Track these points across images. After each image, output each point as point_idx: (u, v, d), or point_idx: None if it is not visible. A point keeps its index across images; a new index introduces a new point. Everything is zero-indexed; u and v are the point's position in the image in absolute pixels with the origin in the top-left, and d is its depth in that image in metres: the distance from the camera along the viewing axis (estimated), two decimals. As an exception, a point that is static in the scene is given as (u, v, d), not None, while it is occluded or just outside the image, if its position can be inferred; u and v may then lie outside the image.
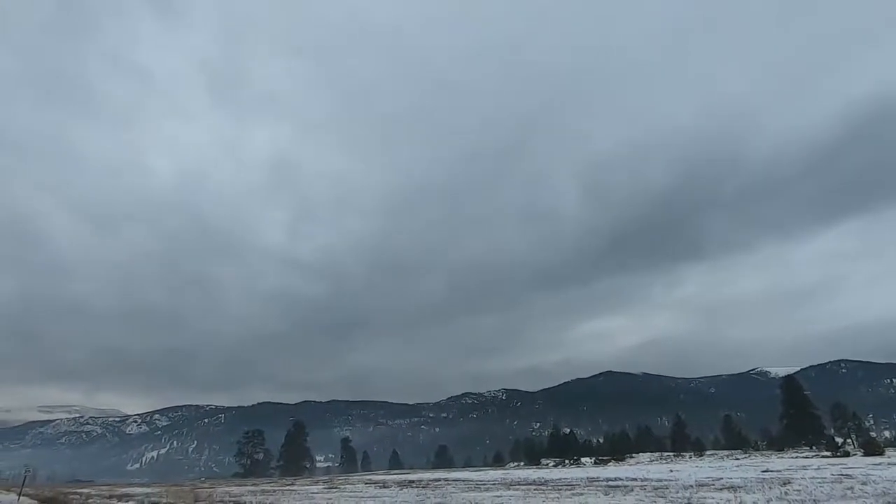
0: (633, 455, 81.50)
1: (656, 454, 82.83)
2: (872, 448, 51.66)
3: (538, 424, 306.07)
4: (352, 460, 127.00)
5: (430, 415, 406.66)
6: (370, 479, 47.49)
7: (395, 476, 55.17)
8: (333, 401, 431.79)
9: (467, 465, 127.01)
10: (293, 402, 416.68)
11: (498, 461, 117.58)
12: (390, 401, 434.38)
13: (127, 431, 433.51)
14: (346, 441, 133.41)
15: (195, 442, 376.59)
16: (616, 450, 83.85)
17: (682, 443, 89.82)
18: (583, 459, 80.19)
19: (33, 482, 72.63)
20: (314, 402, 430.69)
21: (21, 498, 31.98)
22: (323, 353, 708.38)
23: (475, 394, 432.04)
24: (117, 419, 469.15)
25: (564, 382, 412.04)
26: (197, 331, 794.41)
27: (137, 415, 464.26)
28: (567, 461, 79.45)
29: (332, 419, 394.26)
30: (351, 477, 61.87)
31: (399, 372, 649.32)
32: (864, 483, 21.95)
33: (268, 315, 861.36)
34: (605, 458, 78.44)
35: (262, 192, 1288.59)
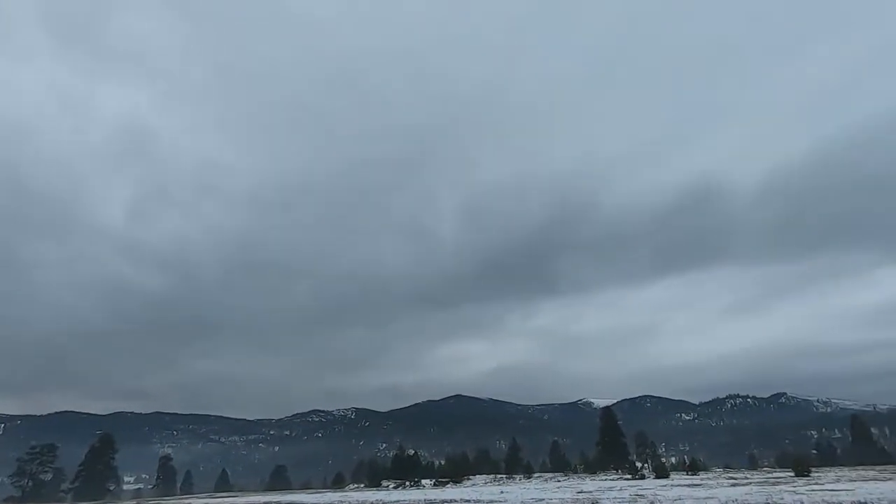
0: (471, 477, 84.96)
1: (491, 476, 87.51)
2: (661, 472, 61.00)
3: (384, 445, 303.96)
4: (170, 481, 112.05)
5: (272, 432, 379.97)
6: None
7: (218, 500, 50.03)
8: (157, 413, 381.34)
9: (305, 486, 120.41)
10: (104, 413, 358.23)
11: (338, 483, 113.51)
12: (226, 415, 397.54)
13: None
14: (165, 459, 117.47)
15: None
16: (455, 472, 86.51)
17: (514, 465, 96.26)
18: (423, 481, 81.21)
19: None
20: (132, 413, 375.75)
21: None
22: (155, 357, 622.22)
23: (324, 411, 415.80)
24: None
25: (416, 404, 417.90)
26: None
27: None
28: (408, 483, 79.71)
29: (153, 434, 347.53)
30: (164, 501, 54.60)
31: (245, 384, 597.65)
32: (652, 501, 25.69)
33: (91, 307, 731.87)
34: (444, 479, 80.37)
35: (104, 160, 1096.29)
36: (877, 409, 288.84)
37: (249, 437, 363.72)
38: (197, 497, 66.58)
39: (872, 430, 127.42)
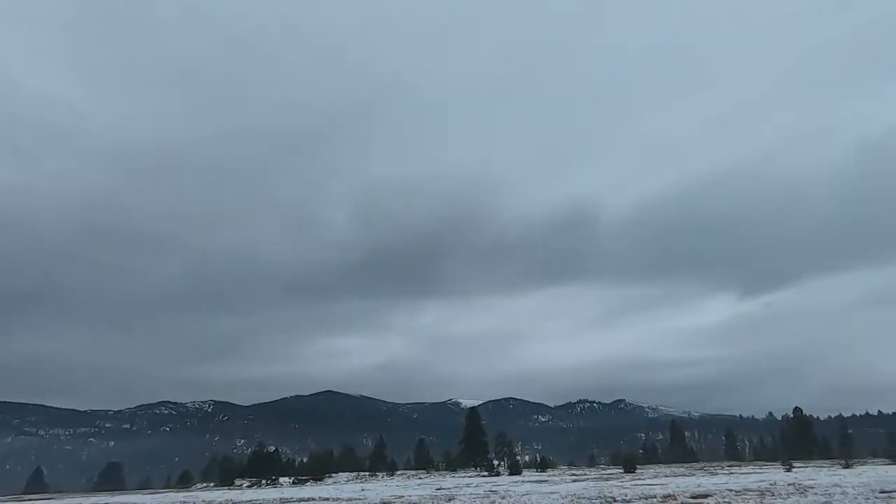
0: (333, 475, 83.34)
1: (354, 474, 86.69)
2: (515, 469, 65.67)
3: (243, 442, 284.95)
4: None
5: (107, 424, 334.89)
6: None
7: (25, 503, 42.79)
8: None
9: (143, 486, 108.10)
10: None
11: (184, 482, 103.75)
12: (49, 404, 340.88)
13: None
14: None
15: None
16: (318, 469, 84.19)
17: (379, 463, 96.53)
18: (281, 479, 77.75)
19: None
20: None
21: None
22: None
23: (175, 403, 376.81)
24: None
25: (282, 398, 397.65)
26: None
27: None
28: (264, 481, 75.73)
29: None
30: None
31: (80, 369, 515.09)
32: (503, 497, 27.55)
33: None
34: (304, 477, 77.81)
35: None
36: (690, 416, 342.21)
37: (78, 431, 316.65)
38: (-2, 500, 56.07)
39: (686, 433, 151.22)
